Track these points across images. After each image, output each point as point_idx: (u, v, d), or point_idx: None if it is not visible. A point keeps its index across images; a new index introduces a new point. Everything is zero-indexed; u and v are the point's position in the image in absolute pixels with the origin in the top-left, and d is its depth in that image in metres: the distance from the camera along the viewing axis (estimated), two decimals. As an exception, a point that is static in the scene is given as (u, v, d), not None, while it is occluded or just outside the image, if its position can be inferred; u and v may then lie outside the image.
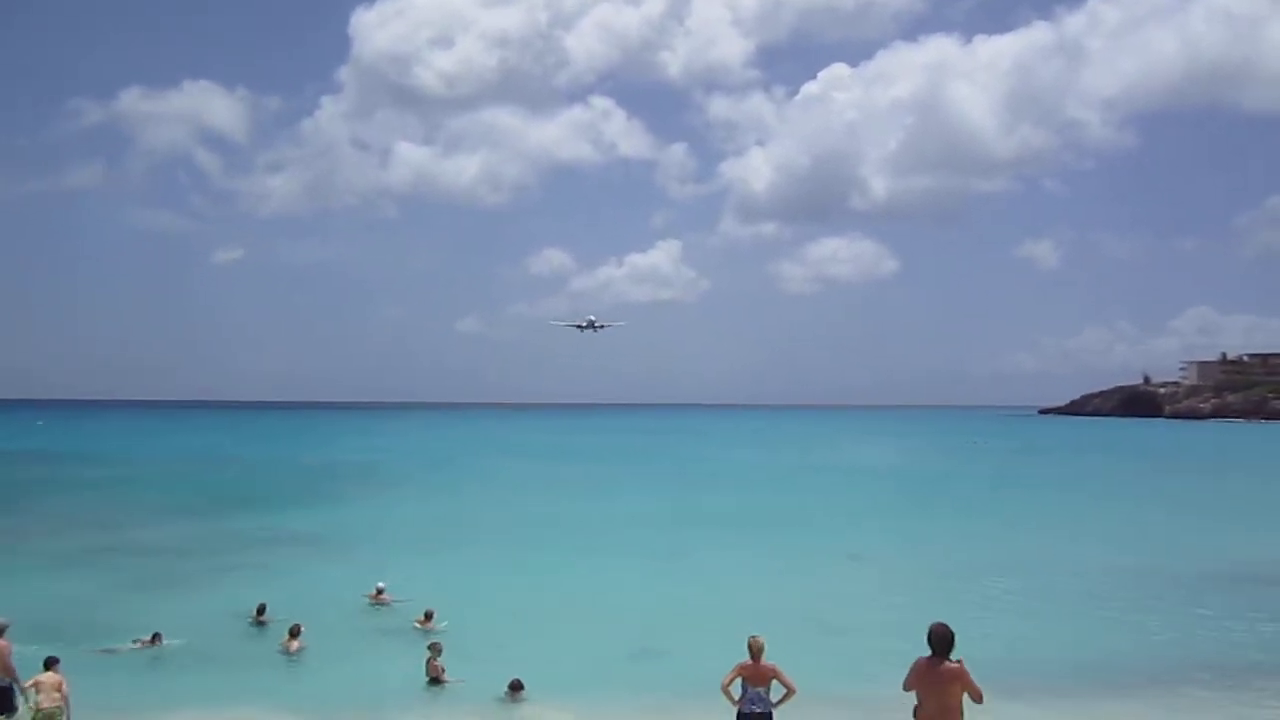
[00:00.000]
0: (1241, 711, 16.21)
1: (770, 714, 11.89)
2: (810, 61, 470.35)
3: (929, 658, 9.49)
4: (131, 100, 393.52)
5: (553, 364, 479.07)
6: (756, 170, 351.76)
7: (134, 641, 19.14)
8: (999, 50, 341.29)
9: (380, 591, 23.79)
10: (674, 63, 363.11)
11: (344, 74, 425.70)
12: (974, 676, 9.31)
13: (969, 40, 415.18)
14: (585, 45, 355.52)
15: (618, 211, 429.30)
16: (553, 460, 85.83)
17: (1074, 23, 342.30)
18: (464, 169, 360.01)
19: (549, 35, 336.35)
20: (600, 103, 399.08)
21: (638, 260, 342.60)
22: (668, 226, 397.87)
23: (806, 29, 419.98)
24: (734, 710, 11.99)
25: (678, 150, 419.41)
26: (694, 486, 59.74)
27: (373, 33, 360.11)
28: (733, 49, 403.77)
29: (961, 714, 9.42)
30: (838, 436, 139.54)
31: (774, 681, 11.95)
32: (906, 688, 9.70)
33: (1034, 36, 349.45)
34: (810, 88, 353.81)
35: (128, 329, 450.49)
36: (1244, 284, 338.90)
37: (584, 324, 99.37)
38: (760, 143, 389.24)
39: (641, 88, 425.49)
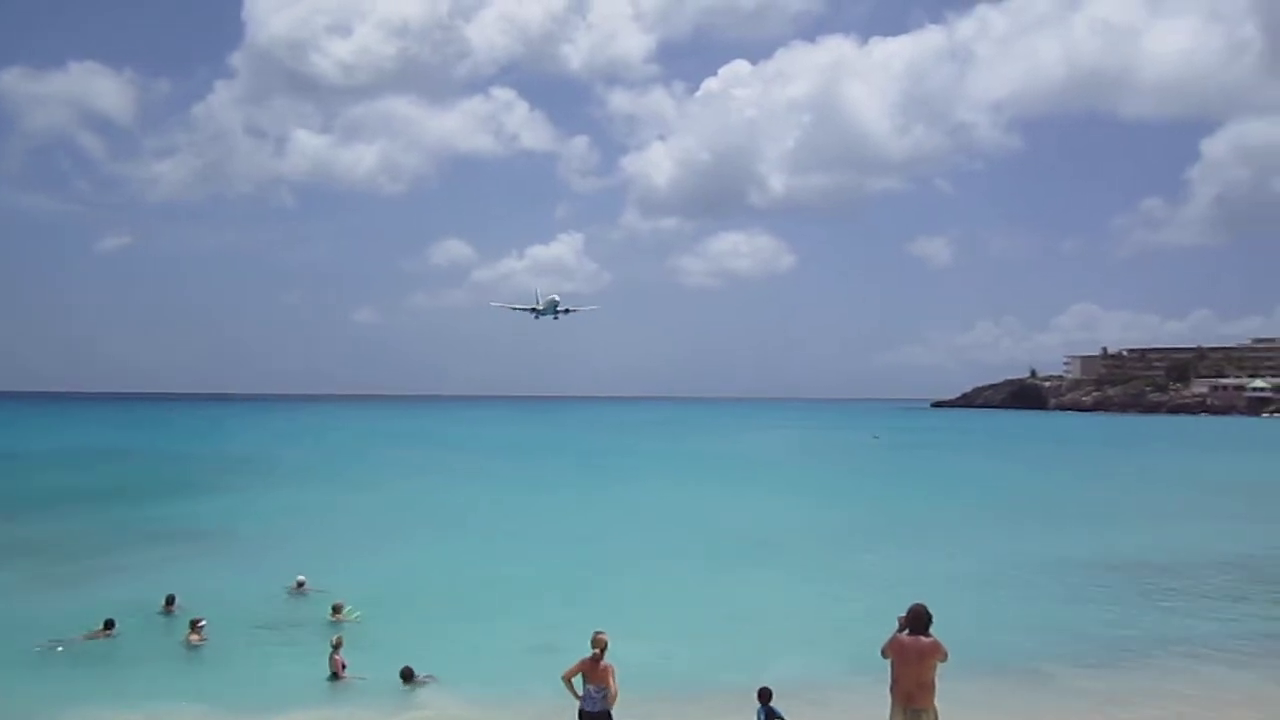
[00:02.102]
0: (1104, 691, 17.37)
1: (609, 713, 11.87)
2: (711, 58, 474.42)
3: (907, 634, 10.28)
4: (12, 80, 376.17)
5: (451, 356, 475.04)
6: (658, 165, 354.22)
7: (83, 635, 19.14)
8: (893, 52, 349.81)
9: (301, 584, 24.07)
10: (576, 56, 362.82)
11: (237, 59, 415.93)
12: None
13: (865, 42, 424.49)
14: (486, 36, 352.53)
15: (519, 203, 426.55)
16: (456, 451, 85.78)
17: (964, 28, 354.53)
18: (362, 158, 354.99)
19: (450, 25, 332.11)
20: (502, 94, 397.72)
21: (540, 252, 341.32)
22: (570, 219, 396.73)
23: (707, 26, 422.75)
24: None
25: (580, 143, 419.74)
26: (599, 476, 60.73)
27: (268, 17, 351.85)
28: (634, 44, 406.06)
29: (934, 686, 10.35)
30: (735, 429, 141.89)
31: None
32: (884, 654, 10.62)
33: (927, 40, 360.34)
34: (711, 84, 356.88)
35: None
36: (1122, 282, 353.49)
37: (540, 307, 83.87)
38: (661, 137, 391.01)
39: (543, 80, 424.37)
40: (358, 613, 21.16)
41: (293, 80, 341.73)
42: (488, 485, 55.15)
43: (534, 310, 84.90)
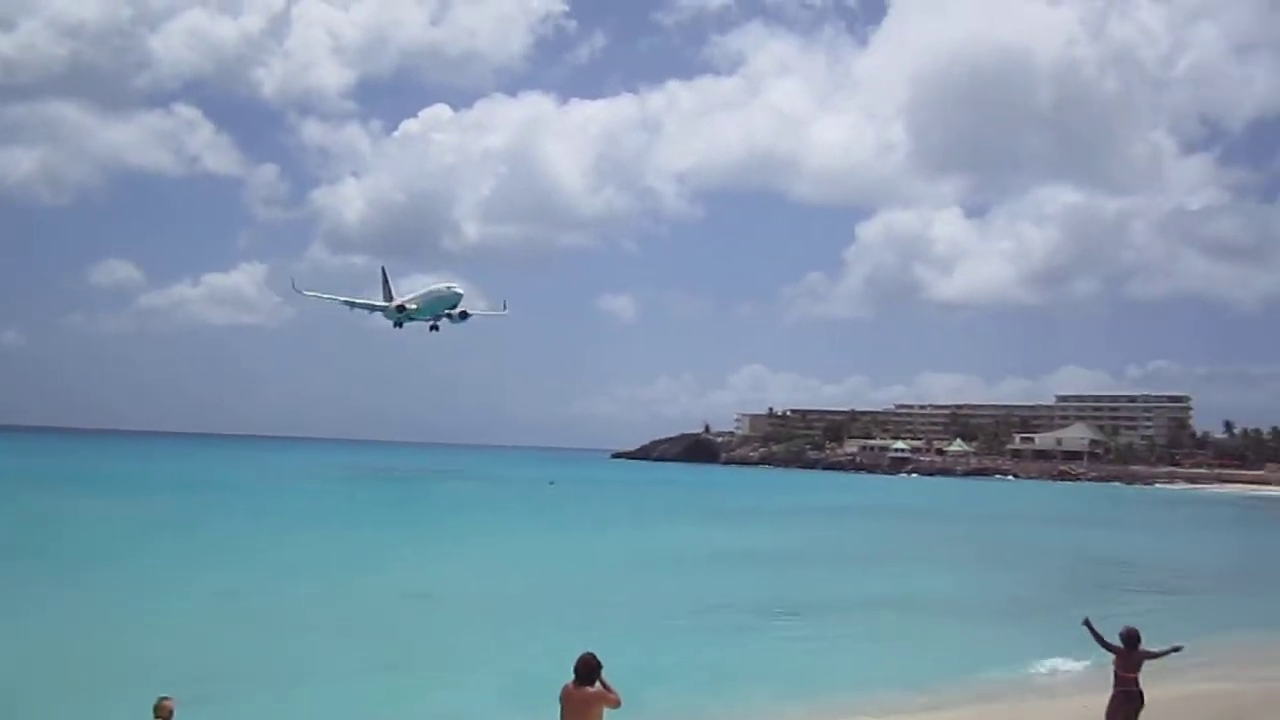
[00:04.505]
0: None
1: None
2: (411, 100, 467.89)
3: (574, 683, 10.41)
4: None
5: (111, 385, 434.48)
6: (350, 201, 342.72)
7: None
8: (590, 115, 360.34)
9: None
10: (269, 81, 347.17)
11: None
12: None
13: (565, 102, 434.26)
14: (172, 49, 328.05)
15: (197, 227, 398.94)
16: (104, 491, 77.09)
17: (655, 100, 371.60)
18: (19, 163, 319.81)
19: (131, 33, 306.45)
20: (185, 111, 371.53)
21: (218, 281, 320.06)
22: (252, 249, 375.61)
23: (410, 68, 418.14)
24: None
25: (268, 171, 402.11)
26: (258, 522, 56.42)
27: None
28: (332, 76, 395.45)
29: None
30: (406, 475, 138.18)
31: None
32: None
33: (621, 107, 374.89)
34: (410, 125, 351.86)
35: None
36: (789, 347, 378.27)
37: (412, 306, 59.19)
38: (355, 174, 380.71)
39: (232, 102, 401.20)
40: None
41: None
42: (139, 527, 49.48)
43: (393, 311, 59.82)
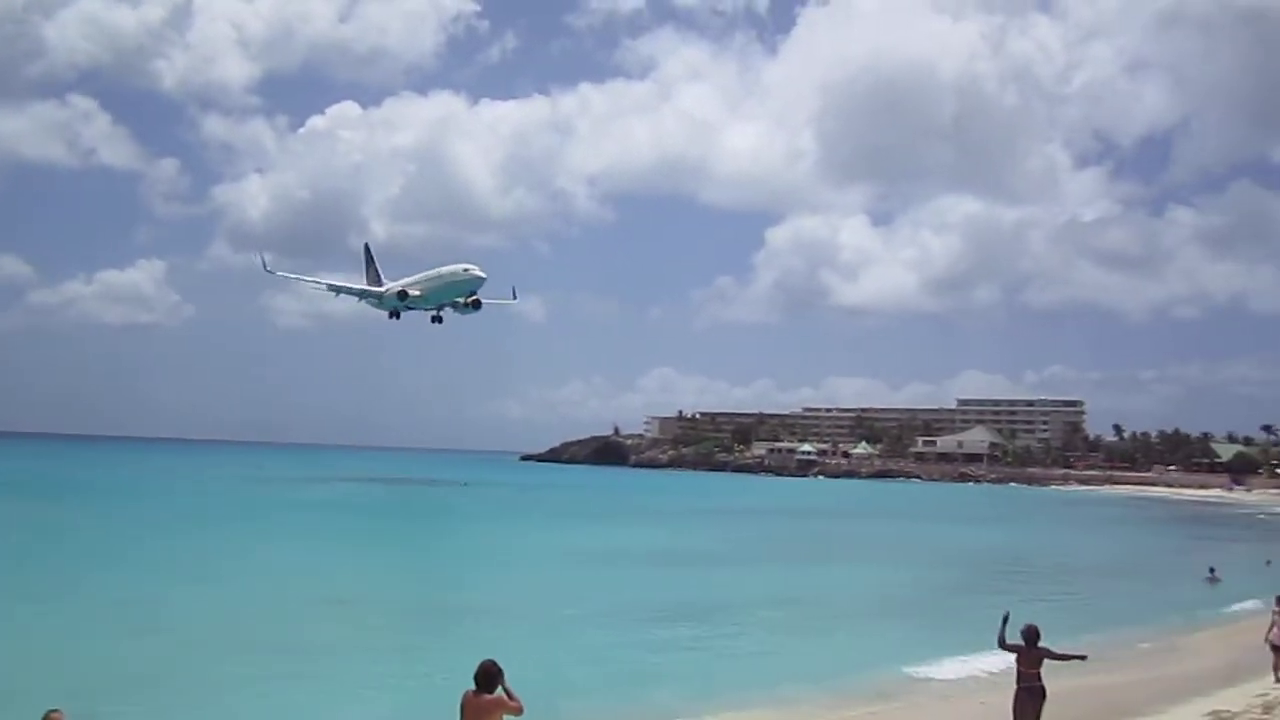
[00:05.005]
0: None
1: None
2: (319, 96, 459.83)
3: (474, 690, 10.19)
4: None
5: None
6: (254, 198, 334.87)
7: None
8: (501, 116, 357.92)
9: None
10: (170, 74, 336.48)
11: None
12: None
13: (476, 102, 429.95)
14: (67, 38, 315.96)
15: (93, 222, 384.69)
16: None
17: (567, 103, 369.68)
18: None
19: (24, 19, 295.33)
20: (81, 102, 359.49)
21: (114, 278, 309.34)
22: (151, 245, 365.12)
23: (318, 63, 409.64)
24: None
25: (168, 165, 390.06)
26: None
27: None
28: (236, 70, 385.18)
29: None
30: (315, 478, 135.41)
31: None
32: None
33: (533, 109, 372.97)
34: (317, 122, 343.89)
35: None
36: (698, 350, 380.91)
37: (416, 293, 51.86)
38: (260, 170, 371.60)
39: (131, 94, 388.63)
40: None
41: None
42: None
43: (391, 298, 51.31)
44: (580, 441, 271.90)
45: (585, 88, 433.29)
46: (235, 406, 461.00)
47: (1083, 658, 15.75)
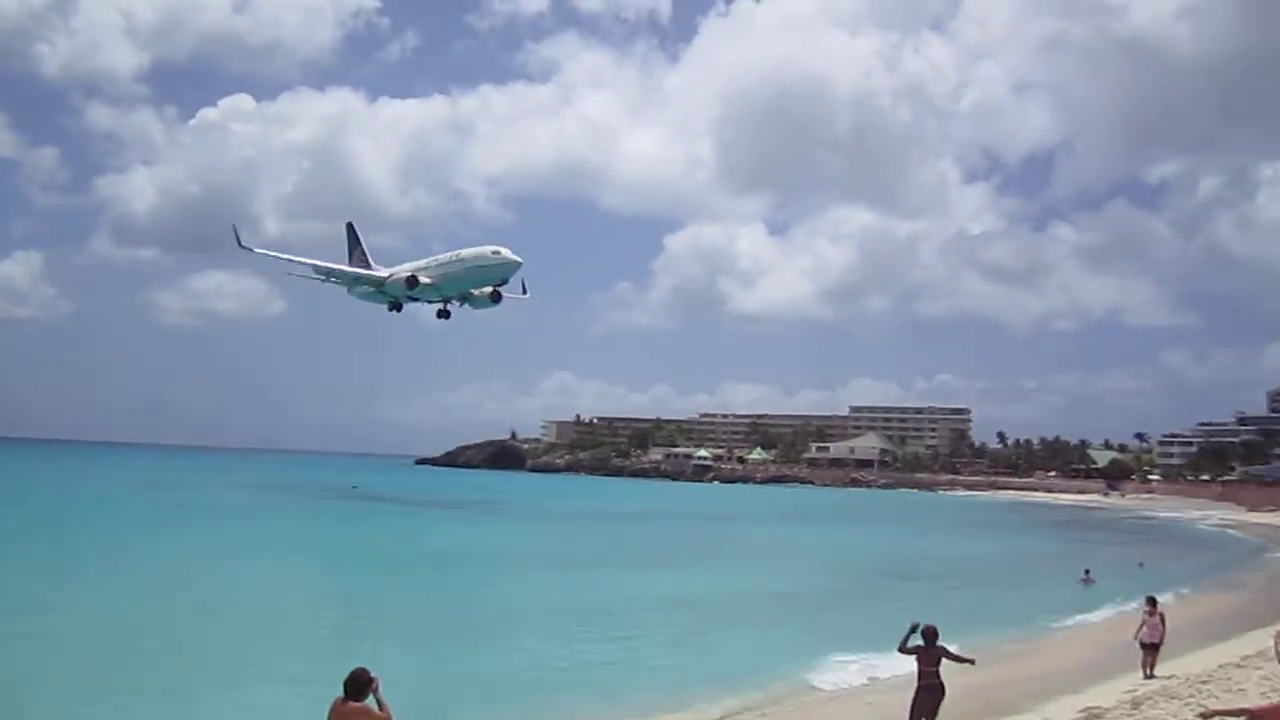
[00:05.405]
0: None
1: None
2: (210, 88, 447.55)
3: (343, 699, 9.98)
4: None
5: None
6: (139, 191, 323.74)
7: None
8: (400, 114, 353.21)
9: None
10: (53, 59, 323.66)
11: None
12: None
13: (374, 100, 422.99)
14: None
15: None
16: None
17: (467, 103, 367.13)
18: None
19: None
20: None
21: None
22: (27, 237, 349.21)
23: (209, 55, 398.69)
24: None
25: (47, 154, 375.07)
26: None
27: None
28: (123, 59, 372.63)
29: None
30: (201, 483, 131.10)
31: None
32: None
33: (433, 108, 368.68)
34: (209, 114, 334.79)
35: None
36: (596, 354, 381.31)
37: (429, 279, 45.42)
38: (146, 162, 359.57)
39: (9, 78, 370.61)
40: None
41: None
42: None
43: (397, 285, 45.09)
44: (476, 445, 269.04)
45: (486, 89, 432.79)
46: (118, 407, 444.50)
47: (971, 661, 16.77)
